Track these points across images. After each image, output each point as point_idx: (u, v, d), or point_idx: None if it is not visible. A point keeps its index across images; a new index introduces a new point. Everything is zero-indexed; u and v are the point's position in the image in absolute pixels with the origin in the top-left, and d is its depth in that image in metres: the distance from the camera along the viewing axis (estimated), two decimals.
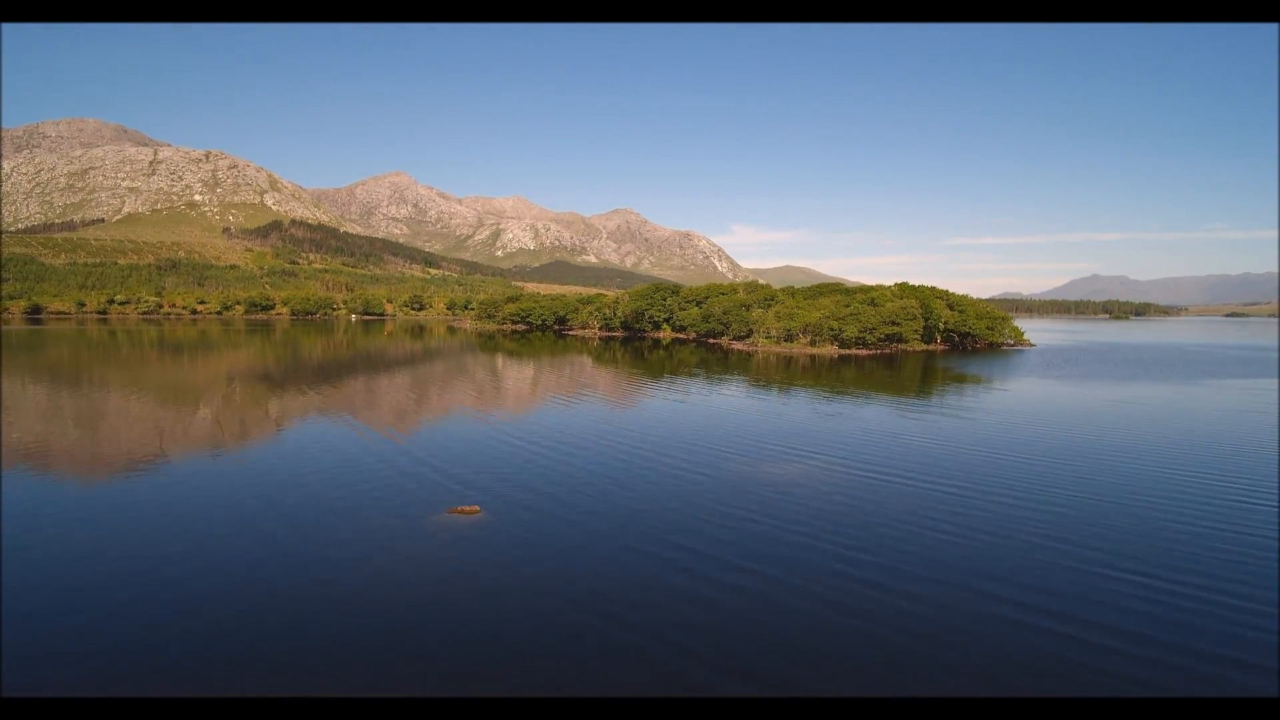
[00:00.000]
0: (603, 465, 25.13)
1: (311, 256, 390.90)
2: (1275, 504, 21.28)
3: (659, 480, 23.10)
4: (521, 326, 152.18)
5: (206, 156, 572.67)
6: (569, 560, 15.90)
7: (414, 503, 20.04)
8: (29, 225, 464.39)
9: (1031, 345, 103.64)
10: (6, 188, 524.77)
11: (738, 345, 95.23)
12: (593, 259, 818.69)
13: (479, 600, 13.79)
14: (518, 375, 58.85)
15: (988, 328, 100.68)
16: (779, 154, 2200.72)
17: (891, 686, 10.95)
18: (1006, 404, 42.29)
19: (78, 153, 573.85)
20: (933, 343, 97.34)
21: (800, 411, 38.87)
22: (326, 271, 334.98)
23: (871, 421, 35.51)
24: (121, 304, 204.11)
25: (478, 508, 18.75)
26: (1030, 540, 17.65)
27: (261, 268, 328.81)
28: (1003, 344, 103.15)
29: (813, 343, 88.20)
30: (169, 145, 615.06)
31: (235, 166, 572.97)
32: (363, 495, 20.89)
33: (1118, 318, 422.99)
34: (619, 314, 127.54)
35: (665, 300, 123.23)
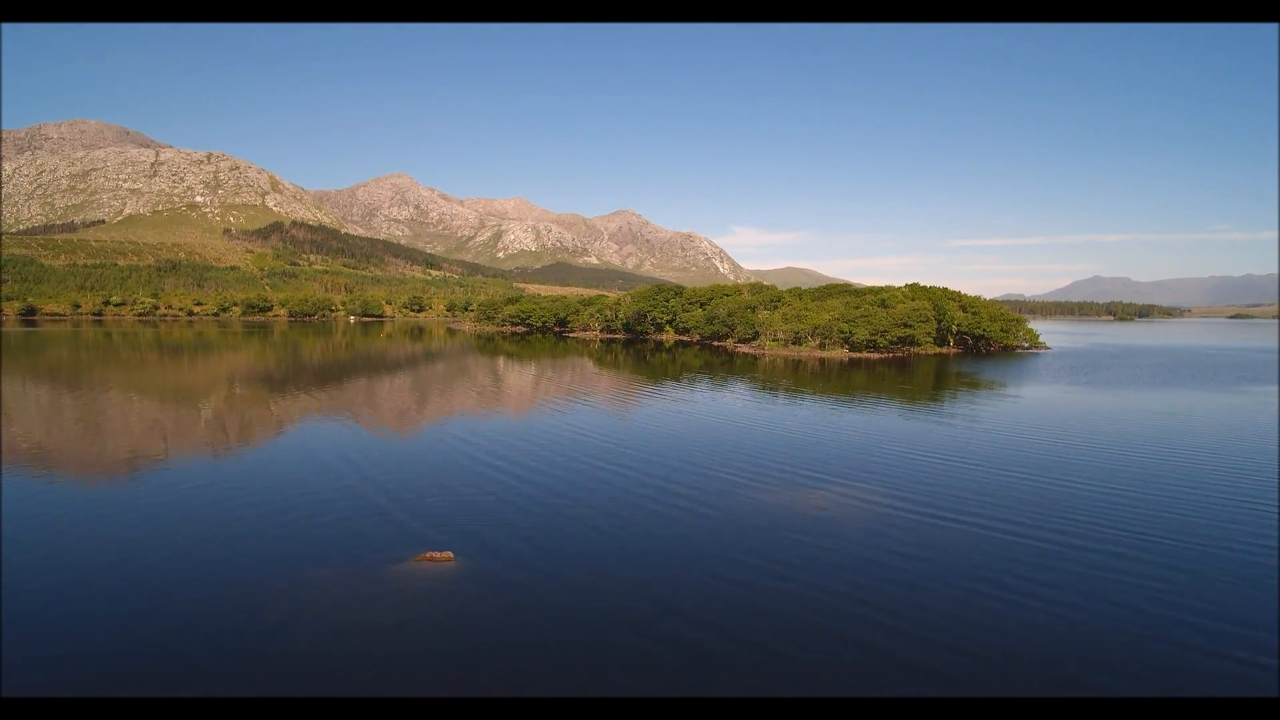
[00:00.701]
0: (600, 497, 21.48)
1: (312, 258, 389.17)
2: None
3: (665, 518, 19.46)
4: (521, 328, 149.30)
5: (208, 158, 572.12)
6: (556, 629, 12.73)
7: (374, 547, 16.58)
8: (30, 227, 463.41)
9: (1046, 348, 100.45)
10: (8, 189, 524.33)
11: (743, 348, 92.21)
12: (594, 260, 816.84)
13: (441, 678, 10.80)
14: (512, 383, 55.80)
15: (1002, 330, 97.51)
16: (781, 155, 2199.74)
17: None
18: (1047, 417, 38.73)
19: (79, 154, 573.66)
20: (945, 345, 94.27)
21: (819, 424, 35.62)
22: (327, 273, 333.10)
23: (902, 437, 32.20)
24: (117, 305, 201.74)
25: (450, 555, 15.47)
26: (1136, 621, 13.55)
27: (262, 269, 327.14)
28: (1017, 347, 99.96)
29: (822, 345, 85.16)
30: (171, 147, 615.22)
31: (237, 168, 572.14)
32: (312, 537, 17.33)
33: (1122, 319, 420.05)
34: (621, 316, 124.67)
35: (668, 302, 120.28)
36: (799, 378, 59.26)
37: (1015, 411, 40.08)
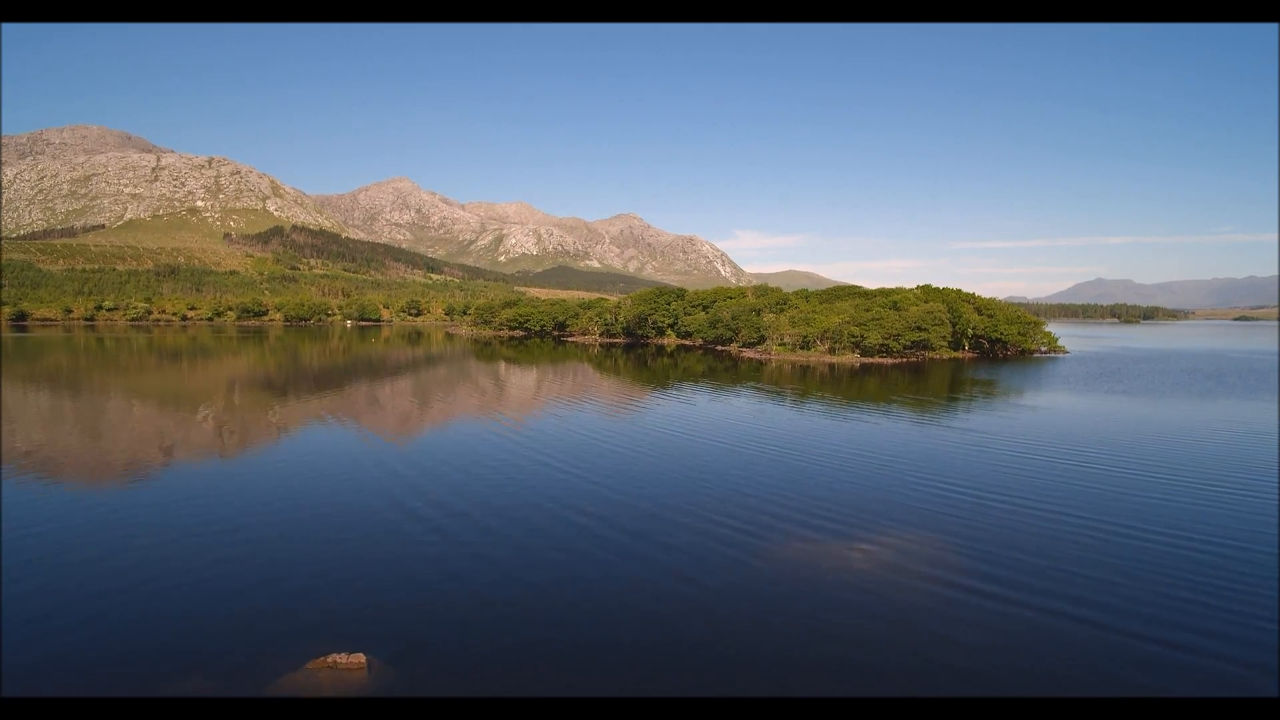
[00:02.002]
0: (578, 566, 15.93)
1: (313, 262, 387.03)
2: None
3: (654, 597, 14.32)
4: (519, 332, 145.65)
5: (209, 162, 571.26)
6: None
7: (263, 641, 12.00)
8: (30, 232, 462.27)
9: (1066, 352, 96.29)
10: (9, 194, 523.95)
11: (748, 353, 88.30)
12: (595, 264, 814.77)
13: None
14: (492, 397, 51.73)
15: (1020, 333, 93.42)
16: (782, 159, 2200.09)
17: None
18: (1111, 437, 32.72)
19: (81, 159, 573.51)
20: (960, 350, 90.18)
21: (839, 445, 30.93)
22: (326, 277, 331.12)
23: (941, 464, 27.02)
24: (110, 310, 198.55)
25: (362, 658, 11.12)
26: None
27: (262, 273, 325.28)
28: (1035, 351, 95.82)
29: (831, 350, 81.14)
30: (172, 151, 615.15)
31: (238, 173, 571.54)
32: (191, 623, 12.78)
33: (1127, 321, 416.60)
34: (621, 319, 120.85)
35: (670, 305, 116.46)
36: (809, 385, 55.31)
37: (1066, 428, 35.14)
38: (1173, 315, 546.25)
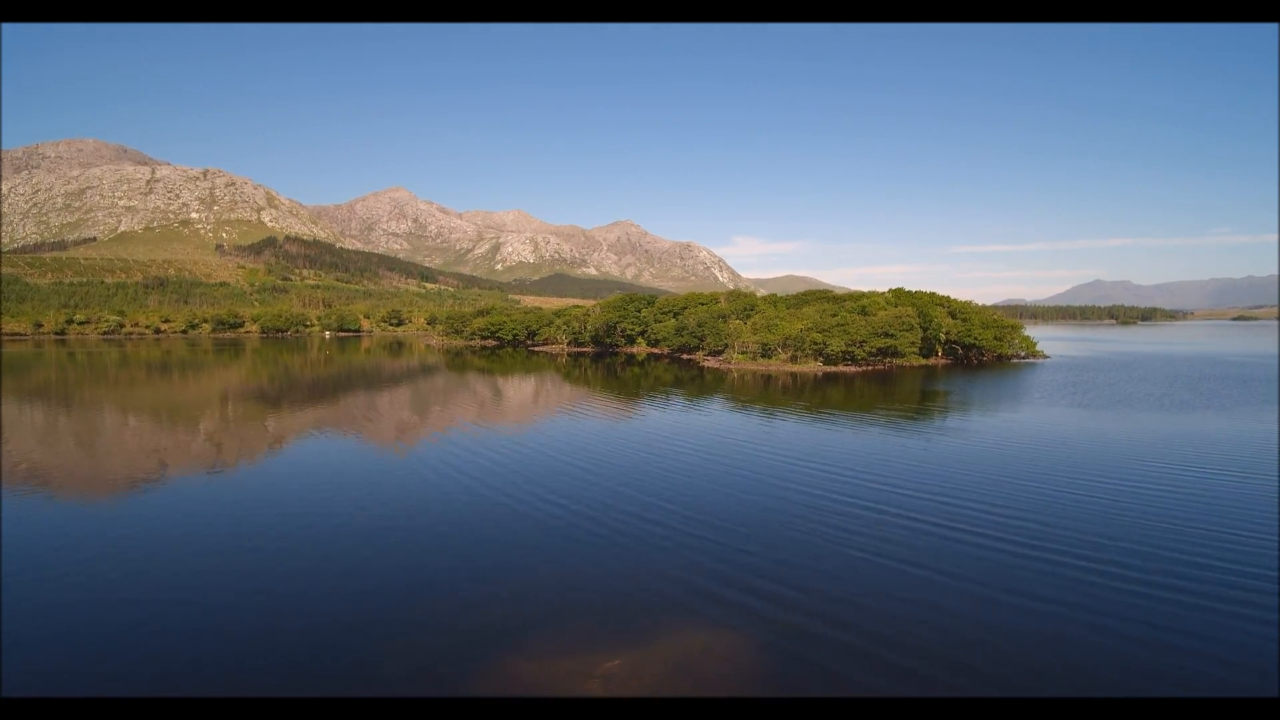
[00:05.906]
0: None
1: (306, 273, 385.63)
2: None
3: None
4: (492, 342, 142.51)
5: (204, 174, 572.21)
6: None
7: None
8: (23, 245, 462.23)
9: (1045, 358, 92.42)
10: (4, 208, 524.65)
11: (711, 361, 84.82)
12: (593, 271, 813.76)
13: None
14: (416, 427, 48.46)
15: (995, 338, 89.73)
16: (782, 164, 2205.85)
17: None
18: (1054, 487, 27.38)
19: (76, 172, 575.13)
20: (933, 356, 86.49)
21: (836, 488, 24.82)
22: (319, 288, 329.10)
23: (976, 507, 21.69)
24: (81, 324, 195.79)
25: None
26: None
27: (252, 284, 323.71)
28: (1013, 356, 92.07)
29: (794, 358, 77.60)
30: (168, 164, 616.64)
31: (233, 184, 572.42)
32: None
33: (1124, 323, 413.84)
34: (589, 328, 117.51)
35: (639, 312, 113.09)
36: (772, 396, 51.76)
37: (997, 469, 29.75)
38: (1171, 316, 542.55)
